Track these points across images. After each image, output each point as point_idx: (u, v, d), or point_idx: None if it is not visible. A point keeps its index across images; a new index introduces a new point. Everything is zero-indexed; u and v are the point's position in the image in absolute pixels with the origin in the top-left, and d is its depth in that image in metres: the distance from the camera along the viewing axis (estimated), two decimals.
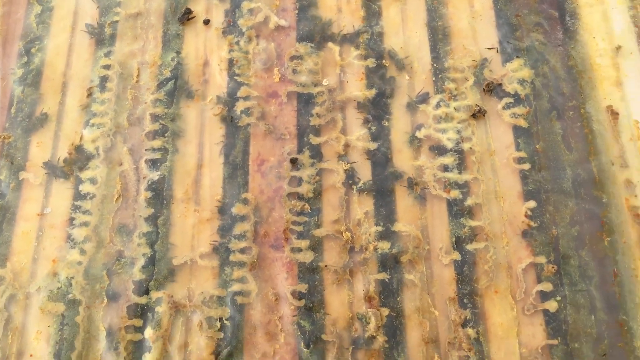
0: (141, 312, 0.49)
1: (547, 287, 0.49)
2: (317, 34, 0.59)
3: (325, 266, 0.50)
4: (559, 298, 0.49)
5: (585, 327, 0.48)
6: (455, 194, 0.52)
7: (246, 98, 0.56)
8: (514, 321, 0.48)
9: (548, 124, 0.55)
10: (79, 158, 0.54)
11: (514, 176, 0.53)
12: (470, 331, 0.48)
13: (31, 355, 0.48)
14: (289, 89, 0.57)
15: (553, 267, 0.50)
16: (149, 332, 0.48)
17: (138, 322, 0.49)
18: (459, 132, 0.55)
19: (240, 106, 0.56)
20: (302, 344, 0.48)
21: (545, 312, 0.49)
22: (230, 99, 0.56)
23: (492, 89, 0.56)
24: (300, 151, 0.54)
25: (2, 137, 0.55)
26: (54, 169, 0.54)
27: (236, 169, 0.54)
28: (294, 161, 0.54)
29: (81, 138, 0.55)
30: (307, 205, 0.52)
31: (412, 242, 0.51)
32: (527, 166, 0.53)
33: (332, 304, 0.49)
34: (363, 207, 0.52)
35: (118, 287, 0.50)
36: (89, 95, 0.57)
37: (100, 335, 0.48)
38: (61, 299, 0.49)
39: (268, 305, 0.49)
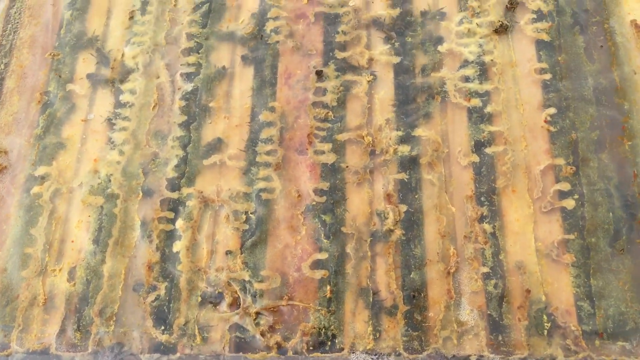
0: (173, 205, 0.52)
1: (565, 186, 0.50)
2: None
3: (347, 167, 0.52)
4: (576, 196, 0.49)
5: (603, 224, 0.48)
6: (475, 102, 0.54)
7: (276, 18, 0.59)
8: (531, 218, 0.49)
9: (570, 38, 0.55)
10: (121, 72, 0.58)
11: (535, 86, 0.54)
12: (487, 226, 0.49)
13: (72, 241, 0.52)
14: (316, 10, 0.59)
15: (572, 168, 0.50)
16: (179, 223, 0.52)
17: (170, 215, 0.52)
18: (480, 46, 0.56)
19: (270, 26, 0.59)
20: (323, 235, 0.50)
21: (563, 209, 0.49)
22: (261, 19, 0.59)
23: (515, 6, 0.57)
24: (325, 65, 0.57)
25: (52, 54, 0.60)
26: (96, 79, 0.58)
27: (265, 82, 0.57)
28: (319, 73, 0.56)
29: (123, 55, 0.59)
30: (330, 113, 0.55)
31: (431, 145, 0.52)
32: (548, 76, 0.54)
33: (353, 201, 0.51)
34: (385, 114, 0.54)
35: (152, 184, 0.53)
36: (131, 17, 0.61)
37: (136, 225, 0.52)
38: (101, 193, 0.53)
39: (291, 201, 0.52)
